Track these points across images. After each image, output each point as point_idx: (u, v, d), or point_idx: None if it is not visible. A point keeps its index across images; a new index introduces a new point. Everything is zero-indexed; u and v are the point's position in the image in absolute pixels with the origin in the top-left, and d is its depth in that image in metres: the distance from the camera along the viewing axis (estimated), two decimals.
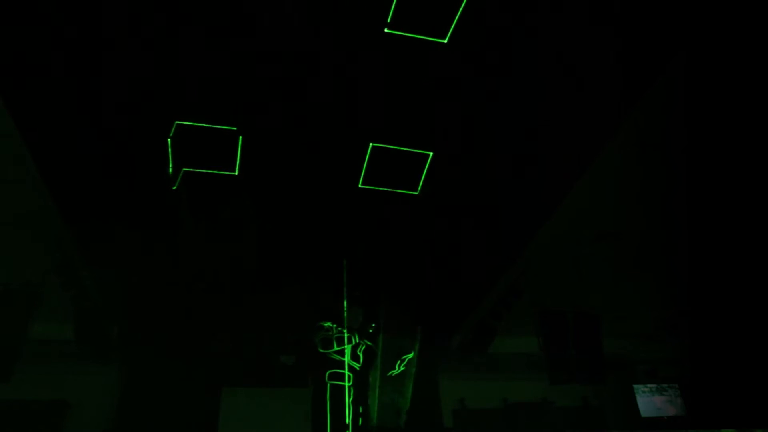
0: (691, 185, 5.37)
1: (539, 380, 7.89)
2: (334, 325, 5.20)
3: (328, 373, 5.00)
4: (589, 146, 4.75)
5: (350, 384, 5.00)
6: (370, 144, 4.47)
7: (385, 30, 3.39)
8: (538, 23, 3.61)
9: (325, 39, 3.64)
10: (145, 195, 4.95)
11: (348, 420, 4.85)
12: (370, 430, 5.63)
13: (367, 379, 5.69)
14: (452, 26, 3.39)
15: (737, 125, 4.66)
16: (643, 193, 5.62)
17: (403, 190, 4.90)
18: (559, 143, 4.67)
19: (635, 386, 9.66)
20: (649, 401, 9.57)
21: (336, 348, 5.03)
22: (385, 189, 4.88)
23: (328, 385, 4.95)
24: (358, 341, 5.24)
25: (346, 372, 5.00)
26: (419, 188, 4.87)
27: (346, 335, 5.10)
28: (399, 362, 6.14)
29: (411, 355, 5.96)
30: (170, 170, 4.34)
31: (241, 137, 4.22)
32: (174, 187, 4.51)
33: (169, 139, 4.12)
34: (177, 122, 4.05)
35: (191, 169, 4.42)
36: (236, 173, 4.43)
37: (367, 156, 4.53)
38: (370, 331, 5.41)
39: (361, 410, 5.13)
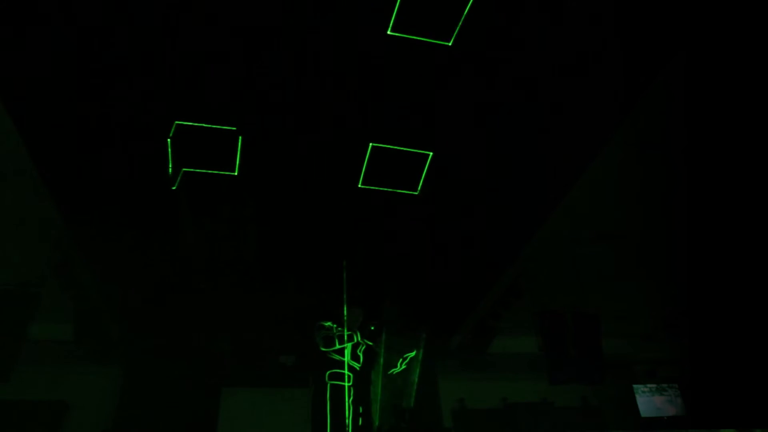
0: (691, 185, 5.37)
1: (539, 380, 7.89)
2: (334, 325, 5.20)
3: (328, 373, 5.00)
4: (589, 146, 4.75)
5: (350, 384, 4.99)
6: (370, 144, 4.46)
7: (388, 32, 3.39)
8: (537, 23, 3.61)
9: (325, 39, 3.63)
10: (144, 195, 4.94)
11: (348, 420, 4.84)
12: (371, 431, 5.63)
13: (367, 379, 5.69)
14: (457, 29, 3.39)
15: (737, 125, 4.66)
16: (643, 193, 5.62)
17: (403, 190, 4.90)
18: (559, 143, 4.66)
19: (635, 386, 9.66)
20: (648, 401, 9.57)
21: (338, 346, 5.02)
22: (385, 189, 4.88)
23: (328, 385, 4.94)
24: (359, 340, 5.24)
25: (346, 372, 4.99)
26: (419, 188, 4.87)
27: (346, 335, 5.09)
28: (401, 360, 6.14)
29: (413, 354, 5.95)
30: (170, 170, 4.34)
31: (240, 137, 4.22)
32: (174, 188, 4.50)
33: (168, 139, 4.12)
34: (177, 122, 4.05)
35: (191, 169, 4.42)
36: (236, 173, 4.43)
37: (367, 156, 4.53)
38: (372, 328, 5.40)
39: (361, 410, 5.12)
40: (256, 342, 7.97)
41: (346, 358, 5.04)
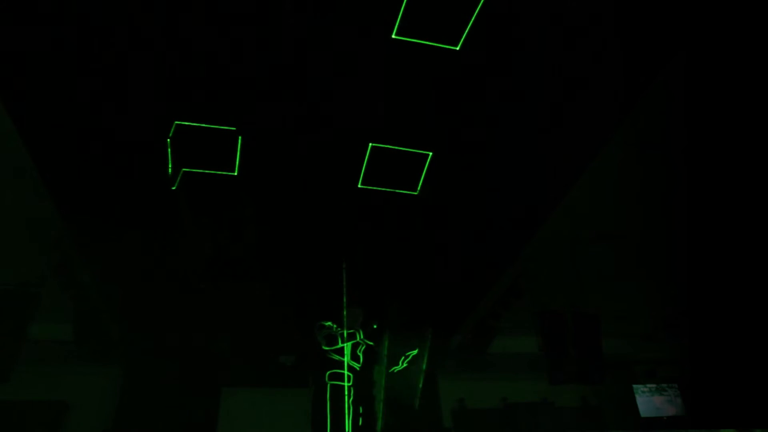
0: (691, 185, 5.37)
1: (539, 380, 7.89)
2: (334, 325, 5.20)
3: (328, 373, 5.00)
4: (589, 146, 4.74)
5: (350, 384, 4.99)
6: (370, 144, 4.46)
7: (393, 35, 3.38)
8: (537, 23, 3.60)
9: (326, 38, 3.63)
10: (144, 195, 4.94)
11: (348, 420, 4.84)
12: (373, 430, 5.62)
13: (367, 379, 5.68)
14: (465, 32, 3.38)
15: (737, 125, 4.66)
16: (643, 193, 5.62)
17: (403, 190, 4.90)
18: (559, 143, 4.66)
19: (635, 386, 9.66)
20: (648, 401, 9.57)
21: (340, 345, 5.02)
22: (385, 189, 4.87)
23: (328, 386, 4.94)
24: (360, 340, 5.23)
25: (346, 372, 4.99)
26: (419, 188, 4.87)
27: (346, 334, 5.09)
28: (402, 358, 6.13)
29: (415, 352, 5.94)
30: (170, 170, 4.34)
31: (240, 137, 4.22)
32: (173, 188, 4.50)
33: (168, 140, 4.12)
34: (176, 122, 4.05)
35: (191, 170, 4.42)
36: (236, 173, 4.43)
37: (367, 156, 4.53)
38: (375, 327, 5.39)
39: (361, 410, 5.12)
40: (256, 342, 7.96)
41: (346, 358, 5.04)
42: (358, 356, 5.30)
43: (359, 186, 4.74)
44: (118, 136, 4.27)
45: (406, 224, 5.62)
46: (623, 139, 4.67)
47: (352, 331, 5.06)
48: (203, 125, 4.10)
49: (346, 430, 4.80)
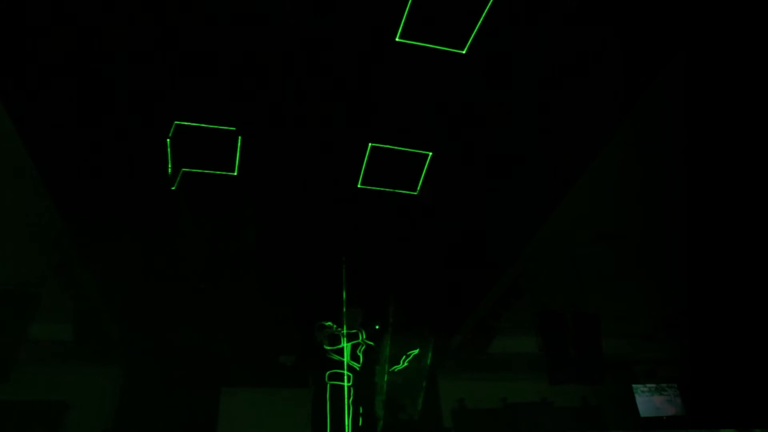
0: (691, 185, 5.36)
1: (538, 380, 7.89)
2: (334, 326, 5.20)
3: (328, 373, 5.00)
4: (589, 146, 4.74)
5: (350, 384, 4.99)
6: (369, 144, 4.46)
7: (397, 39, 3.38)
8: (537, 23, 3.60)
9: (326, 38, 3.63)
10: (144, 195, 4.94)
11: (347, 420, 4.84)
12: (373, 430, 5.63)
13: (367, 379, 5.68)
14: (472, 36, 3.37)
15: (737, 125, 4.66)
16: (643, 193, 5.62)
17: (403, 190, 4.90)
18: (559, 143, 4.66)
19: (634, 386, 9.65)
20: (648, 401, 9.56)
21: (343, 344, 5.02)
22: (385, 189, 4.87)
23: (328, 386, 4.94)
24: (362, 340, 5.23)
25: (345, 372, 4.99)
26: (418, 188, 4.87)
27: (346, 333, 5.09)
28: (404, 357, 6.14)
29: (416, 351, 5.94)
30: (169, 170, 4.34)
31: (240, 137, 4.21)
32: (173, 188, 4.50)
33: (168, 140, 4.12)
34: (176, 122, 4.04)
35: (190, 170, 4.42)
36: (235, 173, 4.43)
37: (367, 156, 4.53)
38: (377, 327, 5.39)
39: (361, 410, 5.12)
40: (256, 342, 7.96)
41: (346, 358, 5.04)
42: (358, 356, 5.29)
43: (359, 186, 4.74)
44: (118, 136, 4.27)
45: (405, 224, 5.61)
46: (623, 139, 4.67)
47: (354, 331, 5.06)
48: (203, 125, 4.10)
49: (346, 430, 4.80)
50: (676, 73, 4.05)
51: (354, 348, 5.25)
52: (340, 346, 5.02)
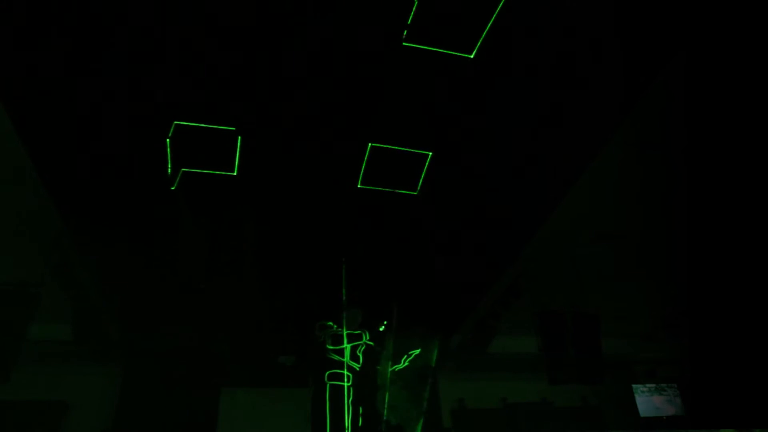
0: (691, 185, 5.36)
1: (538, 380, 7.88)
2: (335, 326, 5.19)
3: (327, 373, 5.00)
4: (589, 146, 4.74)
5: (349, 384, 4.99)
6: (369, 144, 4.46)
7: (403, 43, 3.38)
8: (537, 22, 3.60)
9: (326, 39, 3.63)
10: (143, 195, 4.94)
11: (347, 420, 4.84)
12: (373, 430, 5.62)
13: (367, 379, 5.68)
14: (480, 40, 3.37)
15: (737, 125, 4.66)
16: (643, 193, 5.62)
17: (403, 190, 4.89)
18: (559, 143, 4.66)
19: (634, 386, 9.66)
20: (648, 401, 9.57)
21: (345, 345, 5.02)
22: (385, 189, 4.87)
23: (328, 386, 4.94)
24: (366, 341, 5.23)
25: (345, 372, 4.99)
26: (418, 188, 4.87)
27: (345, 334, 5.09)
28: (405, 357, 6.13)
29: (417, 351, 5.94)
30: (169, 170, 4.33)
31: (240, 137, 4.21)
32: (173, 188, 4.50)
33: (167, 140, 4.12)
34: (176, 122, 4.04)
35: (190, 170, 4.41)
36: (235, 173, 4.43)
37: (366, 156, 4.53)
38: (382, 329, 5.38)
39: (361, 411, 5.12)
40: (256, 342, 7.96)
41: (346, 358, 5.04)
42: (358, 356, 5.29)
43: (359, 186, 4.74)
44: (118, 136, 4.27)
45: (405, 224, 5.61)
46: (623, 139, 4.67)
47: (358, 332, 5.05)
48: (203, 125, 4.10)
49: (346, 430, 4.80)
50: (676, 73, 4.05)
51: (354, 348, 5.25)
52: (342, 347, 5.01)
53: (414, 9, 3.22)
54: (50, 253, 5.84)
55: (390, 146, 4.49)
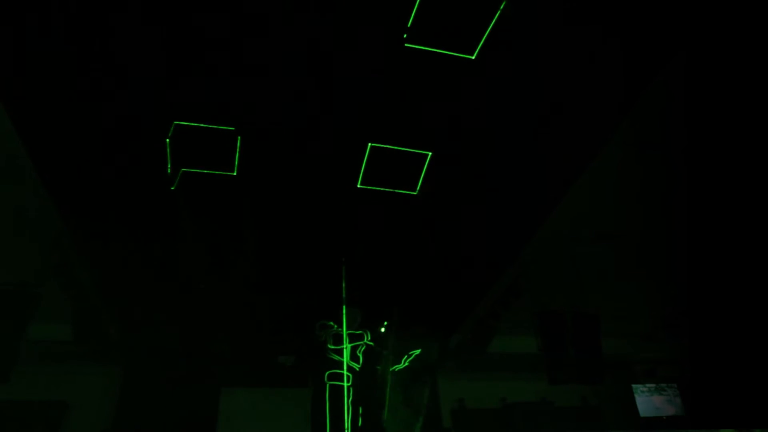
0: (691, 185, 5.36)
1: (538, 380, 7.90)
2: (335, 326, 5.20)
3: (327, 373, 5.00)
4: (589, 146, 4.74)
5: (349, 384, 4.99)
6: (369, 144, 4.46)
7: (405, 45, 3.38)
8: (537, 22, 3.60)
9: (326, 39, 3.63)
10: (143, 195, 4.94)
11: (347, 421, 4.84)
12: (373, 430, 5.61)
13: (367, 379, 5.68)
14: (481, 42, 3.37)
15: (737, 125, 4.66)
16: (643, 193, 5.62)
17: (402, 190, 4.89)
18: (558, 143, 4.66)
19: (634, 386, 9.67)
20: (648, 401, 9.57)
21: (346, 344, 5.02)
22: (384, 189, 4.87)
23: (327, 386, 4.94)
24: (367, 341, 5.22)
25: (345, 372, 4.99)
26: (418, 188, 4.87)
27: (345, 335, 5.09)
28: (405, 357, 6.13)
29: (418, 351, 5.94)
30: (169, 170, 4.33)
31: (239, 137, 4.21)
32: (173, 188, 4.50)
33: (167, 140, 4.12)
34: (175, 122, 4.04)
35: (190, 170, 4.41)
36: (235, 173, 4.43)
37: (366, 156, 4.53)
38: (383, 330, 5.38)
39: (360, 411, 5.12)
40: (256, 342, 7.96)
41: (345, 358, 5.04)
42: (358, 356, 5.29)
43: (359, 186, 4.74)
44: (118, 135, 4.27)
45: (405, 224, 5.61)
46: (623, 139, 4.67)
47: (360, 332, 5.05)
48: (203, 125, 4.10)
49: (346, 430, 4.80)
50: (676, 73, 4.05)
51: (354, 348, 5.25)
52: (342, 347, 5.01)
53: (415, 9, 3.22)
54: (50, 253, 5.84)
55: (390, 146, 4.49)
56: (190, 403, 7.87)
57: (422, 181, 4.80)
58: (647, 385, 9.73)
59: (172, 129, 4.07)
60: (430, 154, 4.59)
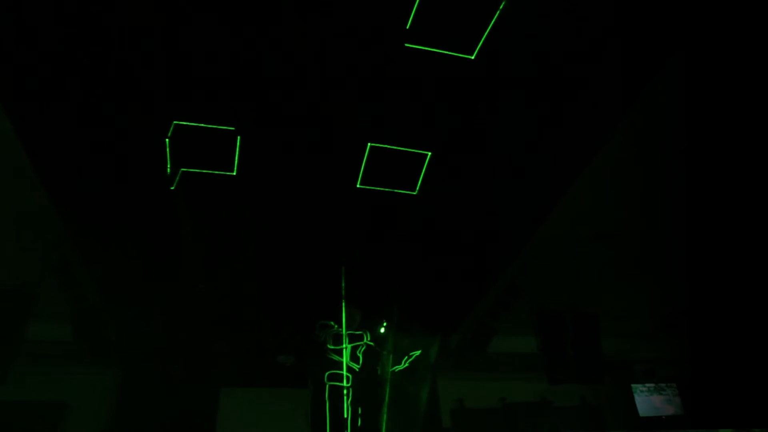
0: (691, 185, 5.36)
1: (538, 380, 7.89)
2: (335, 325, 5.19)
3: (327, 373, 4.99)
4: (589, 146, 4.74)
5: (349, 385, 4.99)
6: (369, 144, 4.46)
7: (405, 45, 3.38)
8: (536, 23, 3.60)
9: (326, 39, 3.62)
10: (143, 195, 4.93)
11: (347, 421, 4.84)
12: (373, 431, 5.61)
13: (367, 380, 5.67)
14: (481, 42, 3.37)
15: (737, 125, 4.66)
16: (642, 193, 5.62)
17: (402, 190, 4.89)
18: (558, 143, 4.66)
19: (633, 386, 9.67)
20: (647, 401, 9.58)
21: (346, 345, 5.01)
22: (384, 189, 4.87)
23: (327, 386, 4.93)
24: (367, 341, 5.21)
25: (344, 373, 4.99)
26: (417, 188, 4.87)
27: (345, 335, 5.08)
28: (405, 358, 6.13)
29: (418, 353, 5.94)
30: (168, 170, 4.33)
31: (239, 137, 4.21)
32: (172, 188, 4.49)
33: (167, 140, 4.11)
34: (175, 122, 4.04)
35: (189, 170, 4.41)
36: (234, 173, 4.42)
37: (366, 156, 4.52)
38: (382, 330, 5.38)
39: (360, 411, 5.11)
40: (255, 342, 7.96)
41: (345, 359, 5.03)
42: (358, 357, 5.29)
43: (358, 186, 4.73)
44: (118, 136, 4.26)
45: (405, 224, 5.61)
46: (623, 139, 4.67)
47: (360, 332, 5.05)
48: (203, 125, 4.09)
49: (346, 430, 4.80)
50: (676, 73, 4.05)
51: (354, 348, 5.24)
52: (343, 347, 5.01)
53: (414, 10, 3.22)
54: (50, 253, 5.83)
55: (390, 146, 4.49)
56: (190, 403, 7.87)
57: (422, 181, 4.80)
58: (646, 384, 9.73)
59: (171, 129, 4.07)
60: (429, 154, 4.59)
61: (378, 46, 3.60)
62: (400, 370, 6.06)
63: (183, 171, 4.43)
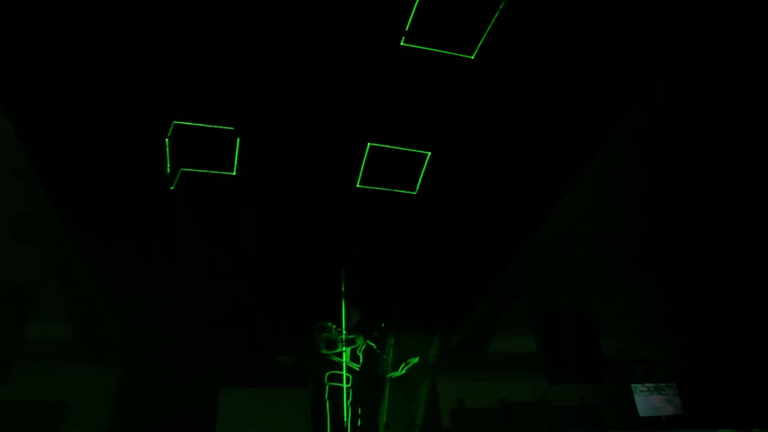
0: (690, 185, 5.36)
1: (537, 380, 7.89)
2: (334, 326, 5.18)
3: (327, 374, 4.98)
4: (588, 146, 4.74)
5: (349, 385, 4.98)
6: (368, 144, 4.46)
7: (402, 43, 3.38)
8: (536, 23, 3.60)
9: (327, 38, 3.62)
10: (142, 195, 4.93)
11: (347, 421, 4.83)
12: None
13: (367, 380, 5.67)
14: (480, 42, 3.37)
15: (737, 125, 4.66)
16: (642, 193, 5.62)
17: (402, 189, 4.89)
18: (558, 143, 4.66)
19: (633, 386, 9.66)
20: (647, 401, 9.57)
21: (340, 349, 5.00)
22: (384, 189, 4.87)
23: (327, 386, 4.92)
24: (362, 344, 5.20)
25: (344, 373, 4.98)
26: (417, 188, 4.87)
27: (344, 336, 5.07)
28: (403, 365, 6.13)
29: (416, 360, 5.93)
30: (168, 170, 4.33)
31: (239, 137, 4.21)
32: (172, 188, 4.49)
33: (166, 139, 4.11)
34: (175, 122, 4.04)
35: (189, 170, 4.41)
36: (234, 173, 4.42)
37: (365, 156, 4.52)
38: (375, 334, 5.37)
39: (360, 412, 5.11)
40: (255, 342, 7.96)
41: (345, 359, 5.02)
42: (358, 357, 5.28)
43: (358, 186, 4.74)
44: (118, 136, 4.26)
45: (405, 224, 5.61)
46: (623, 139, 4.67)
47: (353, 336, 5.03)
48: (202, 125, 4.09)
49: (346, 430, 4.79)
50: (676, 73, 4.05)
51: (354, 349, 5.23)
52: (338, 351, 5.00)
53: (414, 10, 3.22)
54: (50, 253, 5.83)
55: (390, 146, 4.49)
56: (190, 403, 7.87)
57: (421, 181, 4.80)
58: (646, 384, 9.73)
59: (171, 129, 4.07)
60: (429, 154, 4.59)
61: (378, 47, 3.60)
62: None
63: (183, 171, 4.43)
